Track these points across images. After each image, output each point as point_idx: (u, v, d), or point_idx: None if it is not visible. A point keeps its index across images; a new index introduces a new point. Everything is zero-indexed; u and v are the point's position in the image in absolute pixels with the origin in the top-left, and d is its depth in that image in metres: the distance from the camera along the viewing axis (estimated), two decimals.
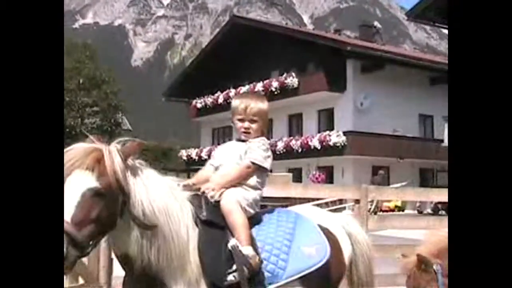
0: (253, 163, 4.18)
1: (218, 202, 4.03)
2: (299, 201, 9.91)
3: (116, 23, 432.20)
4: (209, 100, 46.00)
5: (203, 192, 4.04)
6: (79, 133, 43.51)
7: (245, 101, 4.37)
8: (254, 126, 4.30)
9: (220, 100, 44.56)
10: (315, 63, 39.56)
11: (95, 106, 46.83)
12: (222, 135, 48.23)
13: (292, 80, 38.84)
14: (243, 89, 42.16)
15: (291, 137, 39.70)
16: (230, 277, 3.81)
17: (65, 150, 3.41)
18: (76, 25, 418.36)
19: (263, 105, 4.40)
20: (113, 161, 3.39)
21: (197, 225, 3.85)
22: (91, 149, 3.42)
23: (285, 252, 4.15)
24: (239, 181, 4.17)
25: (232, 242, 3.90)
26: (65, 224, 3.14)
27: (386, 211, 31.65)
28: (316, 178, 35.86)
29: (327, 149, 36.26)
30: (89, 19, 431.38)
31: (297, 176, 39.26)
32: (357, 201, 8.86)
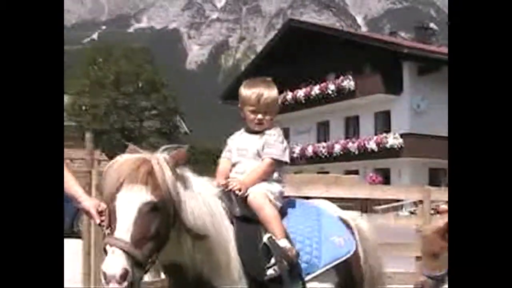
0: (274, 159, 4.11)
1: (246, 197, 4.00)
2: (365, 202, 10.25)
3: (170, 27, 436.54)
4: None
5: (231, 190, 3.95)
6: (138, 135, 44.27)
7: (257, 91, 4.19)
8: (267, 117, 4.17)
9: None
10: (371, 65, 39.87)
11: (154, 109, 47.53)
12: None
13: (348, 82, 39.37)
14: (300, 92, 42.60)
15: (348, 140, 40.10)
16: (271, 271, 3.81)
17: (111, 162, 3.33)
18: (131, 29, 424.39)
19: (275, 93, 4.26)
20: (164, 173, 3.26)
21: (231, 221, 3.82)
22: (140, 161, 3.28)
23: (317, 242, 4.16)
24: (263, 178, 4.11)
25: (267, 236, 3.90)
26: (125, 245, 3.05)
27: (443, 213, 31.61)
28: (373, 180, 36.05)
29: (384, 151, 36.69)
30: (144, 23, 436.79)
31: None
32: (420, 202, 9.20)
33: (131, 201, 3.16)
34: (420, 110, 37.32)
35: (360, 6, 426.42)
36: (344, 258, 4.23)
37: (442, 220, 5.66)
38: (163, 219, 3.24)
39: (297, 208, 4.34)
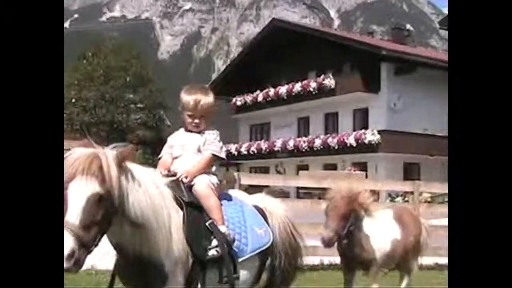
0: (214, 155, 4.64)
1: (191, 186, 4.47)
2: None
3: (143, 16, 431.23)
4: (248, 98, 48.22)
5: (178, 179, 4.42)
6: (125, 128, 45.75)
7: (195, 97, 4.62)
8: (203, 120, 4.67)
9: (260, 99, 46.95)
10: (351, 65, 41.65)
11: (140, 103, 49.09)
12: (260, 131, 50.51)
13: (329, 81, 41.03)
14: (282, 88, 44.36)
15: (328, 135, 41.69)
16: (213, 252, 4.26)
17: (66, 154, 3.57)
18: (104, 18, 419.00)
19: (211, 99, 4.70)
20: (110, 169, 3.56)
21: (180, 207, 4.19)
22: (92, 155, 3.56)
23: (245, 231, 4.59)
24: (205, 170, 4.61)
25: (209, 221, 4.35)
26: (74, 228, 3.35)
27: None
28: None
29: (362, 147, 38.35)
30: (116, 12, 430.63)
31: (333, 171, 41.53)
32: (411, 193, 11.48)
33: (81, 191, 3.46)
34: (396, 108, 39.06)
35: None
36: (265, 247, 4.78)
37: (350, 186, 6.52)
38: (107, 208, 3.54)
39: (224, 199, 4.75)
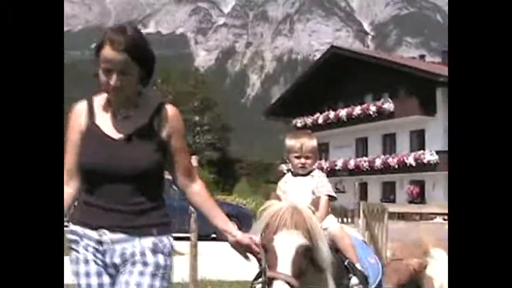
0: (330, 196, 4.72)
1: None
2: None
3: (177, 32, 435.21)
4: (308, 120, 50.90)
5: None
6: (195, 150, 48.91)
7: (300, 140, 4.79)
8: (309, 161, 4.77)
9: (320, 121, 49.58)
10: (407, 89, 43.91)
11: (208, 125, 52.05)
12: (319, 151, 53.10)
13: (388, 105, 43.47)
14: (342, 111, 47.27)
15: (388, 155, 44.12)
16: None
17: (266, 206, 3.82)
18: None
19: (314, 142, 4.87)
20: (311, 220, 3.70)
21: None
22: (295, 209, 3.70)
23: (364, 263, 4.64)
24: (328, 212, 4.67)
25: (347, 261, 4.48)
26: (290, 278, 3.46)
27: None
28: (411, 192, 40.63)
29: (421, 166, 40.76)
30: (151, 29, 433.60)
31: (391, 189, 44.54)
32: None
33: (290, 243, 3.58)
34: None
35: (366, 12, 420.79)
36: (380, 276, 4.90)
37: (420, 259, 6.31)
38: (309, 257, 3.66)
39: None
